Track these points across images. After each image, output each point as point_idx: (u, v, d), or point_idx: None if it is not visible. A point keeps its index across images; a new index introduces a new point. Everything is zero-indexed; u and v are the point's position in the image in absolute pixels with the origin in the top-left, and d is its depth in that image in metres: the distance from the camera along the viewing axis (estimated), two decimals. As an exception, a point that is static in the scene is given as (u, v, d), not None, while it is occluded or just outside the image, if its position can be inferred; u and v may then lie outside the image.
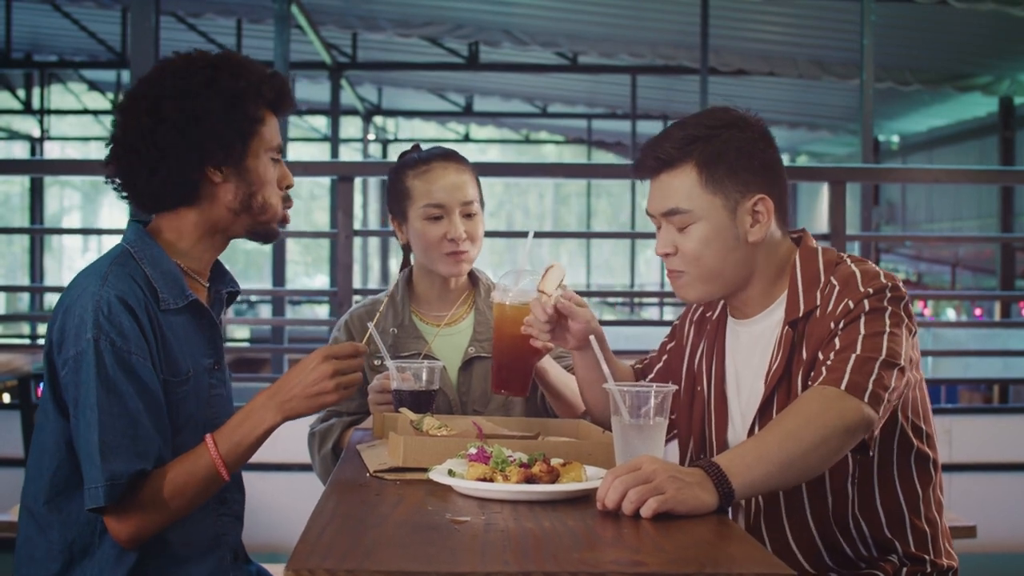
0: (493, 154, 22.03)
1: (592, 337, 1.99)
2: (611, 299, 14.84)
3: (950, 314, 13.50)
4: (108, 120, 14.16)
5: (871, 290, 1.81)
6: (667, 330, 2.22)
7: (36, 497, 1.80)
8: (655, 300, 13.82)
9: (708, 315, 2.09)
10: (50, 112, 14.79)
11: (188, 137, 1.80)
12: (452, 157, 2.45)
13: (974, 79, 10.27)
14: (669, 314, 13.04)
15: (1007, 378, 6.36)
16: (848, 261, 1.90)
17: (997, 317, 10.29)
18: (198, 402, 1.87)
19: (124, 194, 1.88)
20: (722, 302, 2.05)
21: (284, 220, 1.96)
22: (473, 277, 2.53)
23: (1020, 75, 10.28)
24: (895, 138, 14.98)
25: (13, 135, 16.19)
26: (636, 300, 14.36)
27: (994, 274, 12.38)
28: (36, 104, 14.19)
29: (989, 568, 4.26)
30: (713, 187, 1.87)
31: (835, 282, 1.86)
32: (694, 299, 1.96)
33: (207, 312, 1.91)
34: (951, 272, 14.71)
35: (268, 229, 1.93)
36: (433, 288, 2.47)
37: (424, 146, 2.52)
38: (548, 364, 2.26)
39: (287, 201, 1.95)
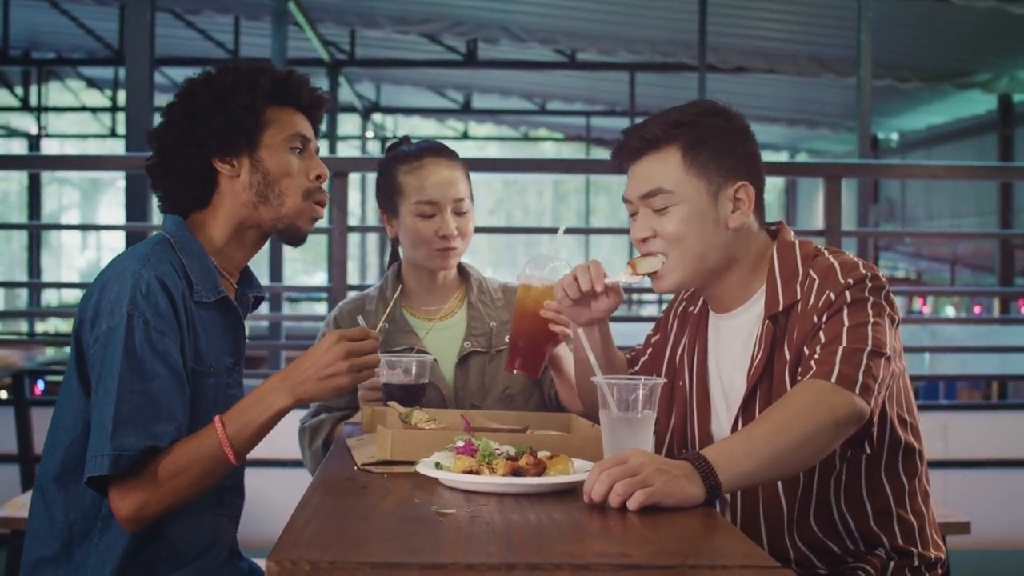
0: (492, 151, 21.97)
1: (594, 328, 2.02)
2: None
3: (949, 311, 13.50)
4: (106, 117, 14.03)
5: (851, 280, 1.80)
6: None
7: (47, 473, 1.81)
8: (653, 297, 13.83)
9: (690, 310, 2.07)
10: (48, 109, 14.79)
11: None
12: (444, 153, 2.43)
13: (973, 76, 10.26)
14: (667, 311, 13.03)
15: (1005, 374, 6.35)
16: (826, 253, 1.89)
17: (996, 314, 10.30)
18: (215, 399, 1.87)
19: (161, 204, 1.93)
20: (703, 297, 2.03)
21: (313, 216, 1.94)
22: (463, 272, 2.52)
23: (1019, 72, 10.27)
24: (894, 135, 14.97)
25: (11, 132, 16.19)
26: (634, 297, 14.33)
27: (993, 271, 12.39)
28: (34, 101, 14.19)
29: (982, 564, 4.26)
30: (697, 170, 1.87)
31: (814, 275, 1.84)
32: (670, 285, 1.90)
33: (235, 311, 1.92)
34: (950, 270, 14.71)
35: (291, 225, 1.92)
36: (422, 283, 2.47)
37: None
38: (564, 352, 2.27)
39: (318, 193, 1.93)
